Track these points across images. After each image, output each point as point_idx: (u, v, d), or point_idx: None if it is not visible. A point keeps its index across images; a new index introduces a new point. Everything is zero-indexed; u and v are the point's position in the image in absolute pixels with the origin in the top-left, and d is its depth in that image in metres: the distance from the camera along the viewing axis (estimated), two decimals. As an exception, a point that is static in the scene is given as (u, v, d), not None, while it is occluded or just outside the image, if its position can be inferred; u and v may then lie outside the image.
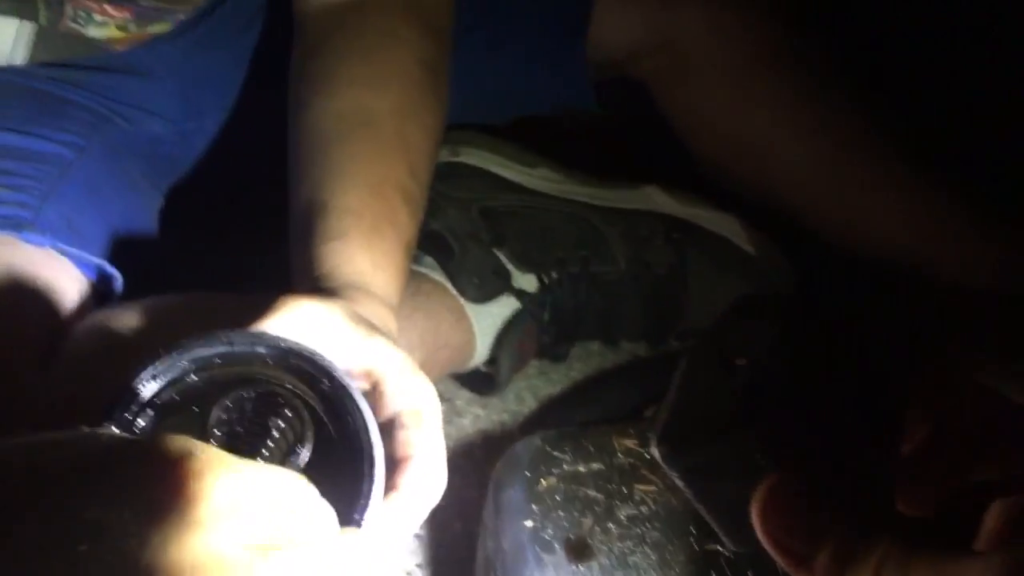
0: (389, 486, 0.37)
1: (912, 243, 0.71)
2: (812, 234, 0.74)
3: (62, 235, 0.53)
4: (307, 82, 0.59)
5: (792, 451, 0.44)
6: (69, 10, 0.62)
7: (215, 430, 0.34)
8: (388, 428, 0.40)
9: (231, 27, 0.70)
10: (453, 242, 0.71)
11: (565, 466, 0.52)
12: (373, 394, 0.40)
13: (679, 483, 0.44)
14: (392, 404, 0.40)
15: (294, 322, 0.40)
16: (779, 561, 0.32)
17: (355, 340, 0.41)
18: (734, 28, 0.72)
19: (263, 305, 0.40)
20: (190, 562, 0.25)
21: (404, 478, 0.39)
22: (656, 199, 0.77)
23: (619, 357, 0.75)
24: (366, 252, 0.49)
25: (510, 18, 0.71)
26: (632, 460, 0.53)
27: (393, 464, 0.38)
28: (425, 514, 0.39)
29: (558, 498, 0.52)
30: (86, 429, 0.29)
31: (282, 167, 0.59)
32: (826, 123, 0.72)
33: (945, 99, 0.83)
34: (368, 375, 0.41)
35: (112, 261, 0.56)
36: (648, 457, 0.52)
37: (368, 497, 0.34)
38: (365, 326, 0.42)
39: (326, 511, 0.31)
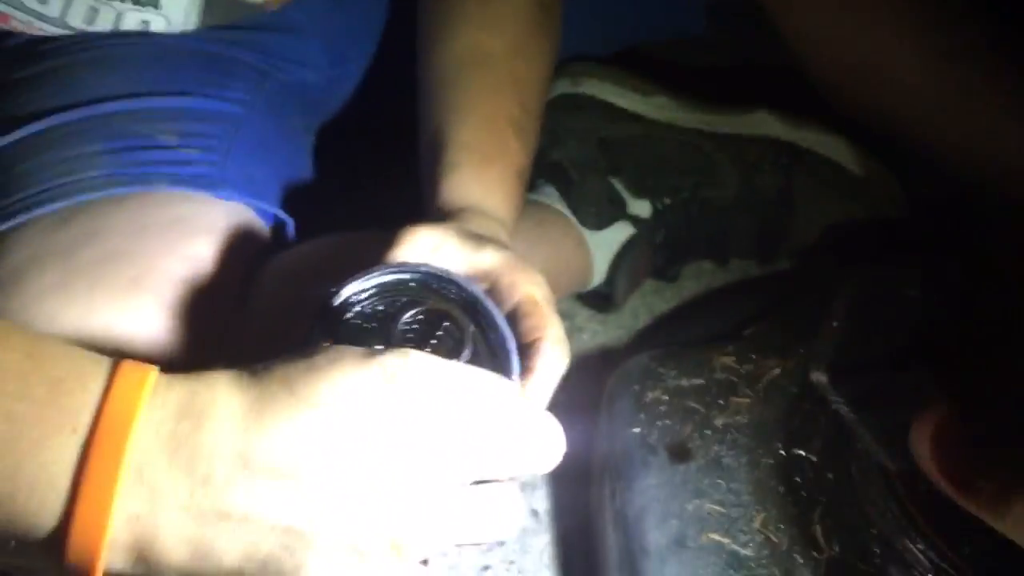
0: (525, 368, 0.45)
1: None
2: (930, 161, 0.76)
3: (246, 189, 0.61)
4: (430, 24, 0.66)
5: (965, 387, 0.45)
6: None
7: (401, 343, 0.42)
8: (512, 319, 0.47)
9: None
10: (572, 172, 0.77)
11: (669, 381, 0.59)
12: (492, 293, 0.48)
13: (842, 410, 0.47)
14: (509, 297, 0.48)
15: (417, 247, 0.48)
16: (942, 486, 0.35)
17: (467, 251, 0.49)
18: None
19: (393, 238, 0.49)
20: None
21: (537, 360, 0.46)
22: (766, 123, 0.80)
23: (729, 276, 0.80)
24: (477, 180, 0.57)
25: None
26: (729, 376, 0.59)
27: (524, 350, 0.46)
28: (553, 388, 0.47)
29: (662, 409, 0.58)
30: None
31: (414, 107, 0.66)
32: (952, 50, 0.72)
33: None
34: (485, 277, 0.49)
35: (282, 206, 0.65)
36: (743, 373, 0.58)
37: (512, 374, 0.43)
38: (474, 240, 0.50)
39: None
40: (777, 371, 0.57)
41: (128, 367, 0.38)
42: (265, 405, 0.37)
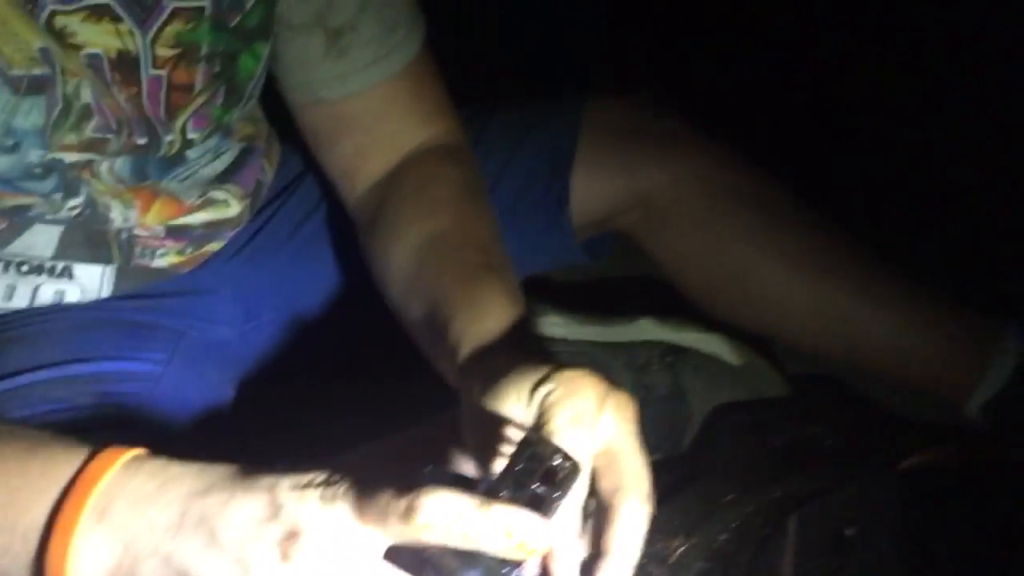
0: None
1: (896, 354, 0.80)
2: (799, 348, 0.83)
3: None
4: (379, 245, 0.69)
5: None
6: (137, 250, 0.75)
7: None
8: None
9: (275, 239, 0.83)
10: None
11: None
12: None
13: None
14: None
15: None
16: None
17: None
18: (692, 179, 0.83)
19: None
20: None
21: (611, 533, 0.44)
22: (650, 329, 0.87)
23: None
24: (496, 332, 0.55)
25: (501, 203, 0.82)
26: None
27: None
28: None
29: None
30: None
31: (332, 350, 0.70)
32: (793, 251, 0.82)
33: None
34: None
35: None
36: (651, 553, 0.61)
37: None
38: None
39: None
40: (682, 549, 0.60)
41: (112, 447, 0.44)
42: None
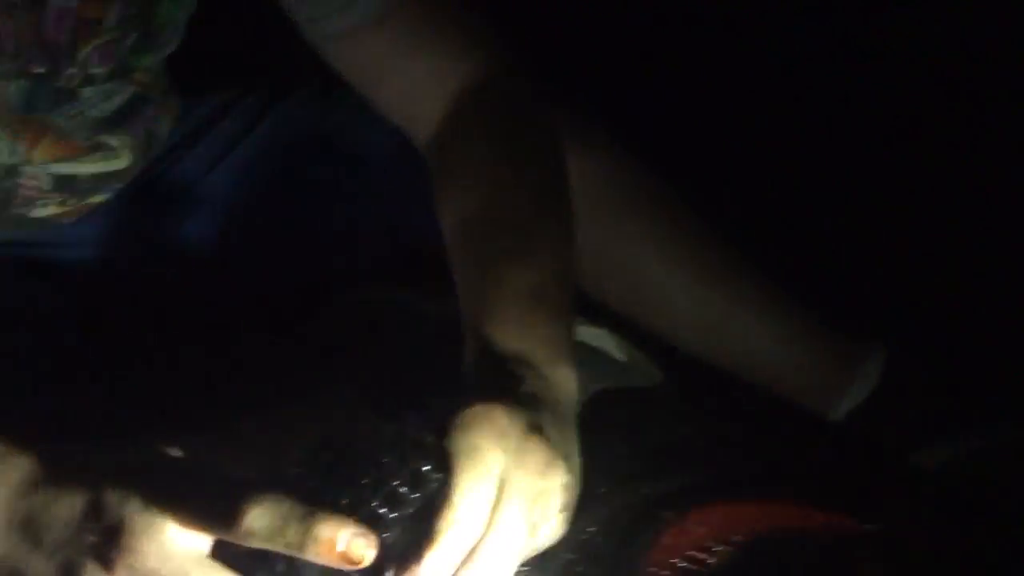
0: None
1: (768, 362, 0.83)
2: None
3: None
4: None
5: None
6: (17, 199, 0.72)
7: None
8: None
9: (164, 198, 0.80)
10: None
11: None
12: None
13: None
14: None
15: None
16: None
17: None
18: (594, 170, 0.82)
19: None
20: None
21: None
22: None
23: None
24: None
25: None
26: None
27: None
28: None
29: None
30: None
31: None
32: (679, 252, 0.84)
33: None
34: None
35: None
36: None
37: None
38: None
39: None
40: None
41: None
42: None
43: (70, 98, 0.70)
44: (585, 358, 0.86)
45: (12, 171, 0.71)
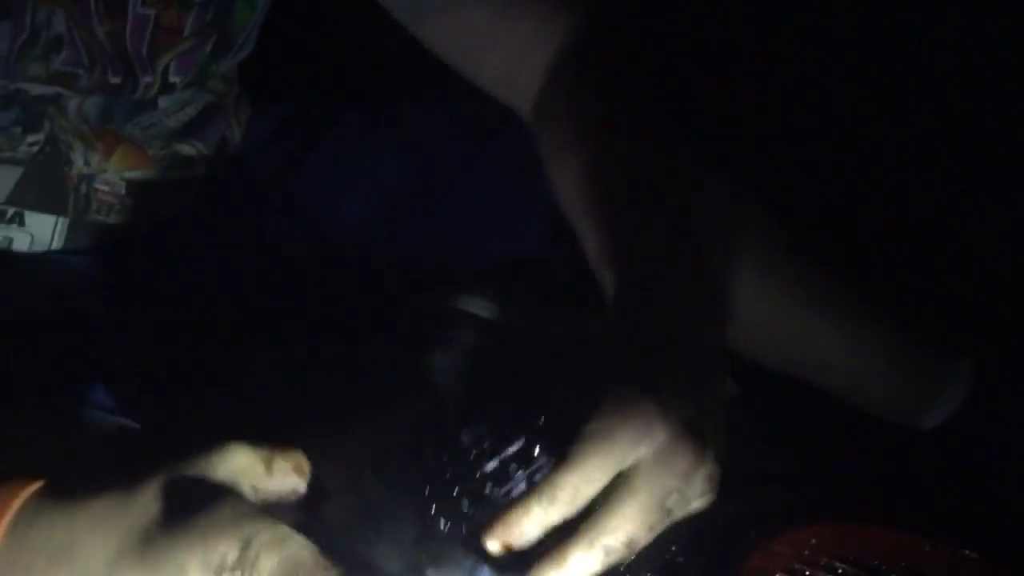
0: None
1: (849, 374, 0.78)
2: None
3: None
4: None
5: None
6: (94, 205, 0.73)
7: None
8: None
9: (236, 207, 0.80)
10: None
11: None
12: None
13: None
14: None
15: None
16: None
17: None
18: None
19: None
20: None
21: None
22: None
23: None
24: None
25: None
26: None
27: None
28: None
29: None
30: None
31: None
32: (761, 259, 0.81)
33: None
34: None
35: None
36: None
37: None
38: None
39: None
40: (631, 558, 0.59)
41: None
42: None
43: (147, 108, 0.70)
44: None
45: (88, 179, 0.71)
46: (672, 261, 0.49)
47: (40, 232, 0.71)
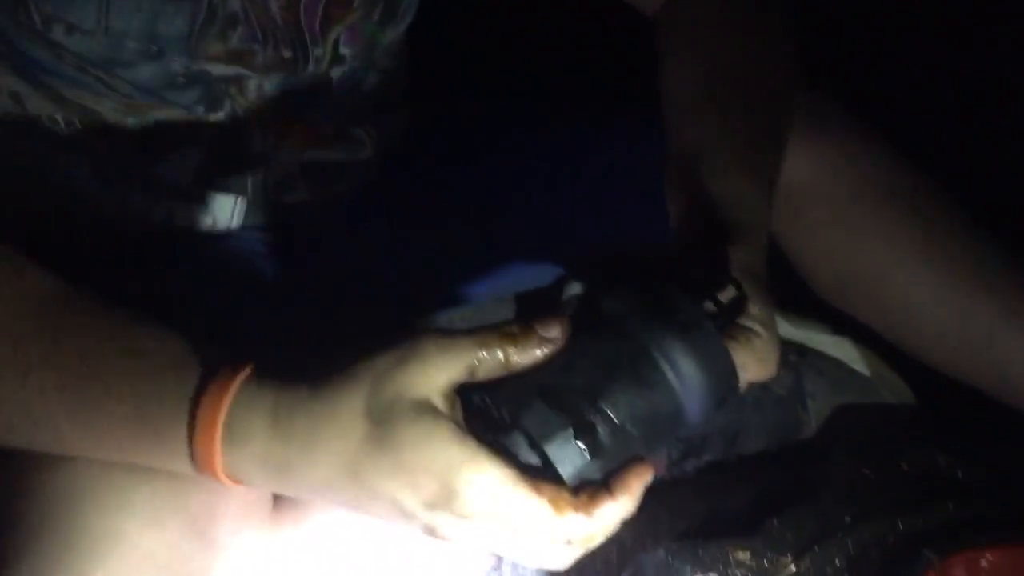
0: None
1: None
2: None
3: None
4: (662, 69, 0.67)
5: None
6: (271, 184, 0.76)
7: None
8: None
9: (401, 195, 0.82)
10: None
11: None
12: None
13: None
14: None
15: None
16: None
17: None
18: (837, 164, 0.76)
19: None
20: None
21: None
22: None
23: (744, 470, 0.81)
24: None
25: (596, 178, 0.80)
26: (745, 572, 0.59)
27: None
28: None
29: (678, 603, 0.58)
30: None
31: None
32: (938, 257, 0.76)
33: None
34: None
35: None
36: (759, 568, 0.59)
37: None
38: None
39: None
40: (792, 569, 0.57)
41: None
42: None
43: (324, 90, 0.72)
44: (824, 368, 0.81)
45: (263, 158, 0.74)
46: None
47: (221, 211, 0.74)
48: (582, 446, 0.42)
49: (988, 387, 0.75)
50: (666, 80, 0.66)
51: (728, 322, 0.46)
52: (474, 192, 0.81)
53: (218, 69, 0.66)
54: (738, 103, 0.62)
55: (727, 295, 0.46)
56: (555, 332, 0.44)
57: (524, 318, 0.45)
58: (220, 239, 0.75)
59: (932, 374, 0.78)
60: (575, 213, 0.81)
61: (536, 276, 0.81)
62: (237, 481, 0.46)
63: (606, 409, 0.42)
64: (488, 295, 0.81)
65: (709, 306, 0.45)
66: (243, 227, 0.76)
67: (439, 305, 0.76)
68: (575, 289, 0.48)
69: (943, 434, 0.70)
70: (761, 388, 0.80)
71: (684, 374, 0.42)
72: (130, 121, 0.67)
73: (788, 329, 0.83)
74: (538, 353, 0.44)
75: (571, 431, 0.42)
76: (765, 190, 0.58)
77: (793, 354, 0.81)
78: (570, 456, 0.42)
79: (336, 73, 0.72)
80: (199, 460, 0.46)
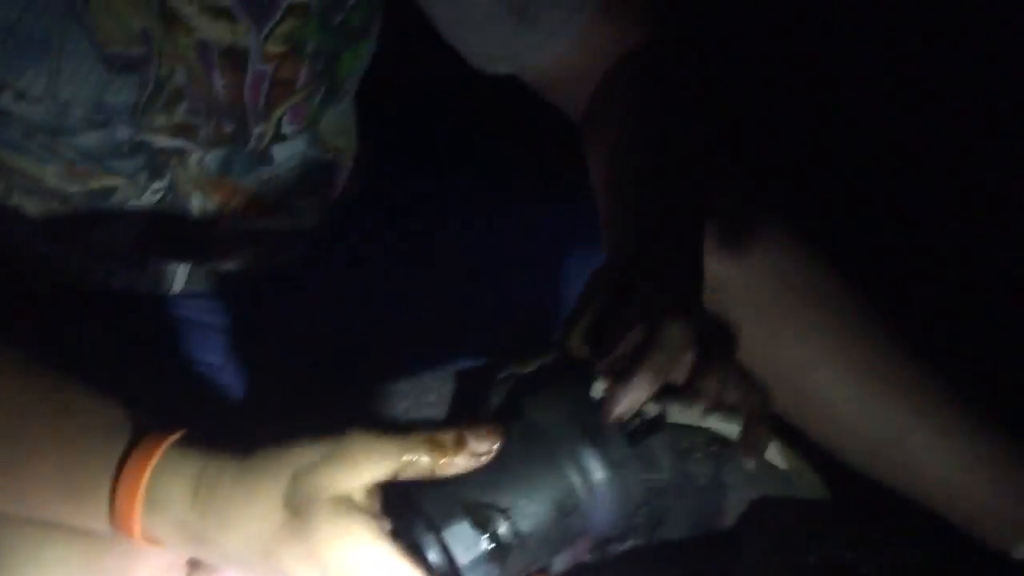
0: None
1: (943, 489, 0.76)
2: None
3: None
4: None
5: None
6: (211, 251, 0.76)
7: None
8: None
9: (346, 258, 0.83)
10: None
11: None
12: None
13: None
14: None
15: None
16: None
17: None
18: (763, 265, 0.79)
19: None
20: None
21: None
22: (698, 415, 0.86)
23: (661, 551, 0.83)
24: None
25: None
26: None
27: None
28: None
29: None
30: None
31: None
32: (853, 358, 0.79)
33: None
34: None
35: None
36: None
37: None
38: None
39: None
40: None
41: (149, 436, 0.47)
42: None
43: (265, 161, 0.73)
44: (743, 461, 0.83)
45: (205, 226, 0.75)
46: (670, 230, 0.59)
47: (162, 277, 0.75)
48: (494, 565, 0.45)
49: (898, 485, 0.78)
50: (592, 175, 0.68)
51: (647, 436, 0.49)
52: (417, 264, 0.83)
53: (162, 141, 0.68)
54: (653, 175, 0.64)
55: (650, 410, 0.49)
56: (486, 447, 0.46)
57: (456, 425, 0.46)
58: (161, 303, 0.75)
59: (851, 470, 0.81)
60: (512, 289, 0.83)
61: (472, 351, 0.83)
62: (155, 543, 0.47)
63: (524, 531, 0.45)
64: (426, 367, 0.83)
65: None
66: (184, 293, 0.77)
67: (376, 374, 0.77)
68: (505, 373, 0.50)
69: (851, 530, 0.72)
70: (684, 476, 0.82)
71: (598, 493, 0.47)
72: (72, 188, 0.68)
73: (712, 419, 0.85)
74: (466, 466, 0.45)
75: (487, 551, 0.45)
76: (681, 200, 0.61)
77: (715, 445, 0.83)
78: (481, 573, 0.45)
79: (277, 150, 0.74)
80: (119, 521, 0.47)
